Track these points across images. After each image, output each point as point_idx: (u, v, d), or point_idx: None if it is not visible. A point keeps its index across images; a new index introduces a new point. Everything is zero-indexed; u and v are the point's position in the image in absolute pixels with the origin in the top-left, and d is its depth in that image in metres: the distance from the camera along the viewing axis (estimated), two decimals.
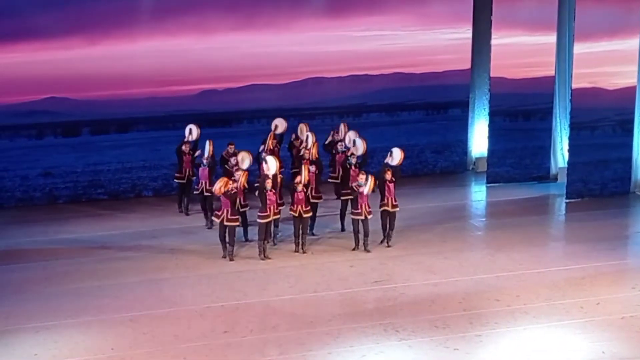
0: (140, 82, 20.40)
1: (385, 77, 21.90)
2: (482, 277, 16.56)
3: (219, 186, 17.00)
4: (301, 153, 18.83)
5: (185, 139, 19.26)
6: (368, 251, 17.50)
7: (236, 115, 21.41)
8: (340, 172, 19.02)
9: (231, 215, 17.01)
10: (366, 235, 17.48)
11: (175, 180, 19.56)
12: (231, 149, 18.94)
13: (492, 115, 21.86)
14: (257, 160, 18.39)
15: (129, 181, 20.81)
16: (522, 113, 21.99)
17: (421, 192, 20.71)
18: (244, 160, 17.70)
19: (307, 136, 19.07)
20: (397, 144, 21.63)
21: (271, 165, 17.24)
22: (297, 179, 17.49)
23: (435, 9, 21.96)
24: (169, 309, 15.26)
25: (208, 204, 18.70)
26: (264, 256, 17.25)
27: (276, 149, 19.44)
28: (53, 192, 20.58)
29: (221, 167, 18.98)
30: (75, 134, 20.70)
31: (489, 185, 21.84)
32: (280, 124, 19.62)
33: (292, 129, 19.95)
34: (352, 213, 17.54)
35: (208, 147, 18.80)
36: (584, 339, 14.24)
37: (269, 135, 19.42)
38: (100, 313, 15.07)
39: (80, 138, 20.72)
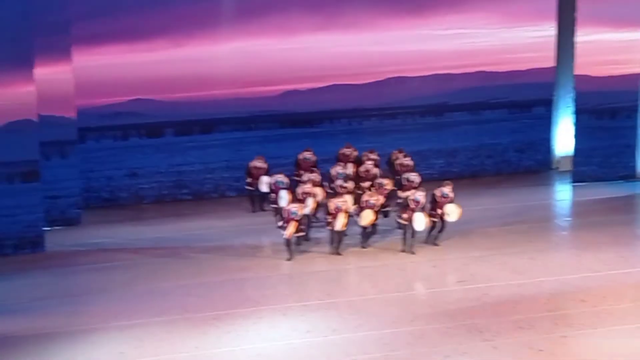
0: (223, 83, 20.56)
1: (467, 75, 21.73)
2: (567, 278, 16.36)
3: (289, 233, 17.13)
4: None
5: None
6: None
7: (318, 116, 21.44)
8: None
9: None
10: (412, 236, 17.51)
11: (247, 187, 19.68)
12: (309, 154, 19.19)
13: (577, 113, 21.56)
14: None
15: (212, 181, 20.99)
16: (608, 111, 21.65)
17: (505, 192, 20.51)
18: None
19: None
20: (480, 143, 21.63)
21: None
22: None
23: (518, 6, 21.72)
24: (252, 308, 15.37)
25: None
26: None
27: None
28: (138, 192, 20.85)
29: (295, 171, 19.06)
30: (160, 135, 20.95)
31: (574, 184, 21.56)
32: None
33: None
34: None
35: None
36: None
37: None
38: (184, 312, 15.24)
39: (164, 139, 20.95)
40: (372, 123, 21.59)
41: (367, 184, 18.63)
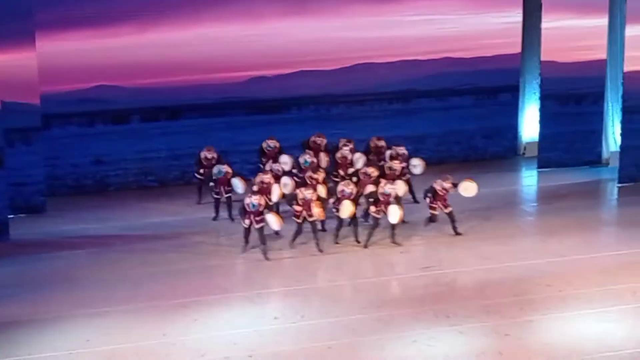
0: (189, 69, 20.46)
1: (434, 62, 21.75)
2: (533, 263, 16.46)
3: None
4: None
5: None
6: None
7: (285, 102, 21.40)
8: None
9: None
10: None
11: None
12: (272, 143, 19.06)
13: (543, 99, 21.65)
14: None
15: (178, 168, 20.88)
16: (574, 97, 21.75)
17: (472, 178, 20.56)
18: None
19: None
20: (448, 130, 21.70)
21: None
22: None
23: None
24: (221, 295, 15.35)
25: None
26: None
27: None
28: (103, 179, 20.72)
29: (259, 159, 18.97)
30: (125, 122, 20.82)
31: (540, 170, 21.66)
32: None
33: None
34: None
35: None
36: (638, 324, 14.11)
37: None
38: (152, 299, 15.20)
39: (130, 126, 20.82)
40: (340, 110, 21.56)
41: (345, 171, 18.54)
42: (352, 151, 19.10)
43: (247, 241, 16.80)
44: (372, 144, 19.61)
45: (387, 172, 18.12)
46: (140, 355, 13.42)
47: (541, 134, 21.78)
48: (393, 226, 17.15)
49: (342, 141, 19.31)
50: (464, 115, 22.28)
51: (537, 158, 21.82)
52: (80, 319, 14.50)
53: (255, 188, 17.33)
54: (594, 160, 21.91)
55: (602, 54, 21.41)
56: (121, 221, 18.85)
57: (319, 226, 17.31)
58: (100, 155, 20.67)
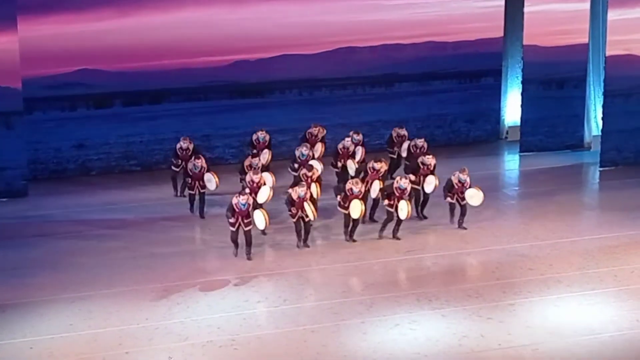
0: (172, 53, 20.41)
1: (417, 46, 21.77)
2: (515, 247, 16.53)
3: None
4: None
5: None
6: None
7: (268, 86, 21.37)
8: None
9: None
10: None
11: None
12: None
13: (525, 83, 21.70)
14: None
15: (161, 152, 20.85)
16: (556, 81, 21.81)
17: (454, 162, 20.55)
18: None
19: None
20: (430, 114, 21.69)
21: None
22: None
23: None
24: (203, 279, 15.36)
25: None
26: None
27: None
28: (86, 163, 20.68)
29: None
30: (108, 106, 20.77)
31: (522, 154, 21.73)
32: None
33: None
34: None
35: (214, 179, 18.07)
36: (618, 307, 14.20)
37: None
38: (134, 284, 15.20)
39: (112, 109, 20.78)
40: (323, 93, 21.58)
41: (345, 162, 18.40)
42: (361, 144, 18.92)
43: (236, 244, 16.32)
44: (394, 134, 19.53)
45: (421, 167, 17.83)
46: (123, 340, 13.43)
47: (523, 118, 21.83)
48: (399, 222, 16.95)
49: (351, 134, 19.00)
50: (446, 99, 22.33)
51: (520, 142, 21.88)
52: (63, 303, 14.49)
53: (246, 186, 17.07)
54: (576, 144, 21.99)
55: (584, 38, 21.48)
56: (103, 205, 18.81)
57: (361, 220, 16.94)
58: (82, 140, 20.62)
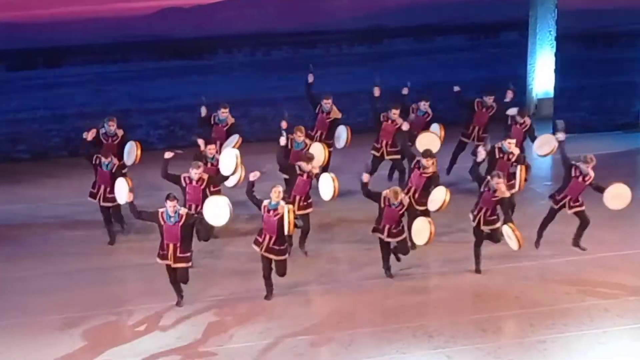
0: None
1: None
2: (547, 263, 16.67)
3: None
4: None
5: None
6: None
7: (208, 43, 21.41)
8: None
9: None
10: None
11: None
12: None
13: (560, 40, 21.85)
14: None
15: (61, 134, 20.86)
16: (602, 37, 21.98)
17: (466, 147, 20.66)
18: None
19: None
20: (431, 81, 21.75)
21: None
22: None
23: None
24: (121, 307, 15.41)
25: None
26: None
27: None
28: None
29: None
30: None
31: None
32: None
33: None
34: None
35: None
36: None
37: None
38: (23, 315, 15.21)
39: None
40: (284, 53, 21.64)
41: None
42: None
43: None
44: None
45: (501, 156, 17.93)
46: None
47: (557, 88, 21.98)
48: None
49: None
50: (453, 61, 22.44)
51: (552, 120, 22.02)
52: None
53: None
54: (630, 122, 22.17)
55: None
56: None
57: None
58: None
